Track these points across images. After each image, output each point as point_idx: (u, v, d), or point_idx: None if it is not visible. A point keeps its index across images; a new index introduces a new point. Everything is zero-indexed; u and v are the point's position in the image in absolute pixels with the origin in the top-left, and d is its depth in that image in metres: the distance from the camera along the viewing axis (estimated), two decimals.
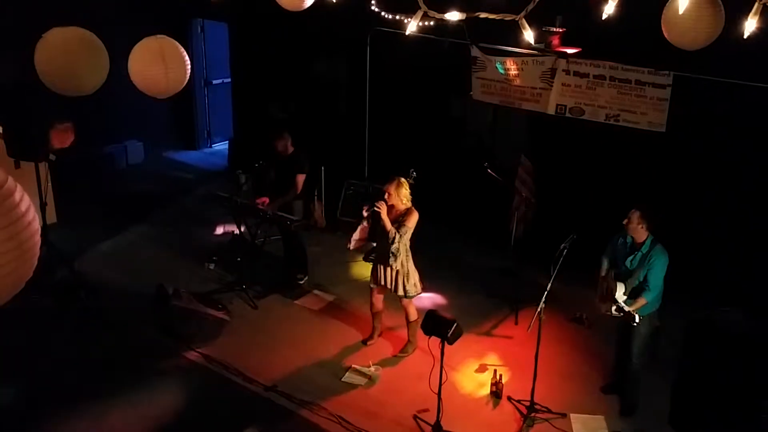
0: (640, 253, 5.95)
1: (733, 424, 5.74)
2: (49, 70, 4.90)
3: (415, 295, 6.84)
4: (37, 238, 2.56)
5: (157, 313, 7.28)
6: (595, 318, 7.42)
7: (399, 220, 6.56)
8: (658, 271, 5.87)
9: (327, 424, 6.11)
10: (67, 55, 4.87)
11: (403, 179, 6.63)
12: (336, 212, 9.73)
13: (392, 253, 6.54)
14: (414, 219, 6.59)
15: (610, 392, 6.55)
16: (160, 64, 5.00)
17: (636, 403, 6.34)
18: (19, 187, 2.49)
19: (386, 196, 6.56)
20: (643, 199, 7.48)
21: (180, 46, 5.24)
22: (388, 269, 6.70)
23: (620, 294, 5.89)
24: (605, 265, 6.23)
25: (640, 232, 5.93)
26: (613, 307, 5.90)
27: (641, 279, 5.92)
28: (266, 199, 7.93)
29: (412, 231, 6.61)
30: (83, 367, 6.76)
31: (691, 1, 3.97)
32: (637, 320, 5.72)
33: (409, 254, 6.71)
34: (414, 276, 6.76)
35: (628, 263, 6.02)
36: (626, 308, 5.79)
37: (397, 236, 6.50)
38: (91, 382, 6.53)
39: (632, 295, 5.93)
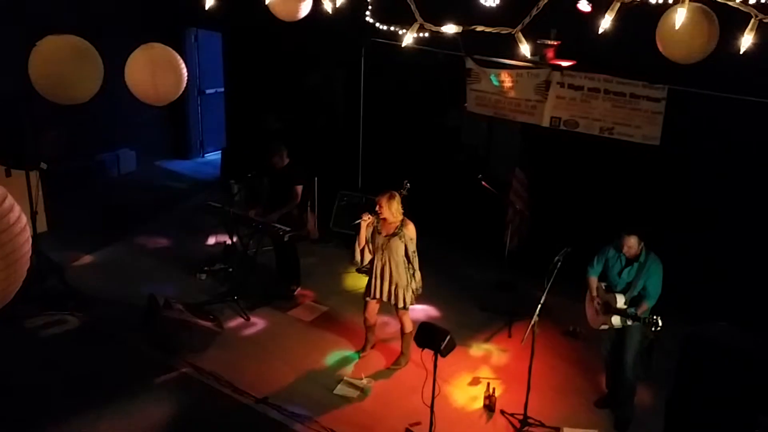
0: (637, 264, 5.98)
1: None
2: (42, 78, 4.88)
3: (410, 307, 6.81)
4: (28, 249, 2.52)
5: (148, 324, 7.23)
6: (589, 331, 7.40)
7: (398, 233, 6.55)
8: (657, 278, 5.93)
9: None
10: (61, 63, 4.85)
11: (395, 192, 6.63)
12: (329, 223, 9.71)
13: (411, 275, 6.68)
14: (413, 230, 6.60)
15: (604, 406, 6.53)
16: (149, 71, 5.02)
17: (630, 417, 6.32)
18: (9, 197, 2.46)
19: (378, 208, 6.55)
20: (636, 212, 7.51)
21: (176, 54, 5.24)
22: (386, 282, 6.69)
23: (621, 304, 5.91)
24: (593, 278, 6.23)
25: (638, 249, 5.95)
26: (615, 319, 5.91)
27: (640, 288, 5.95)
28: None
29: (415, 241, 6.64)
30: (72, 377, 6.69)
31: (686, 15, 3.97)
32: (660, 324, 5.63)
33: (407, 266, 6.70)
34: (411, 287, 6.75)
35: (625, 274, 6.04)
36: (641, 315, 5.77)
37: (413, 259, 6.64)
38: (80, 393, 6.46)
39: (632, 305, 5.95)
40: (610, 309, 6.00)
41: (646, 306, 5.91)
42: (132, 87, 5.13)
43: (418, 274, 6.72)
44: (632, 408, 6.32)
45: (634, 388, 6.31)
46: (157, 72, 5.02)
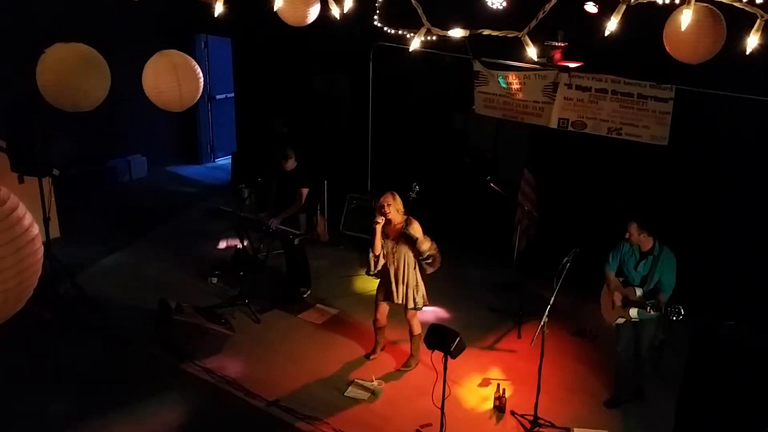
0: (651, 257, 6.04)
1: None
2: (49, 85, 4.90)
3: (422, 307, 6.86)
4: (40, 256, 2.54)
5: (159, 328, 7.28)
6: (598, 332, 7.41)
7: (407, 234, 6.59)
8: (671, 271, 6.00)
9: None
10: (67, 70, 4.86)
11: (393, 192, 6.69)
12: (339, 226, 9.75)
13: (428, 263, 6.63)
14: (419, 226, 6.65)
15: (614, 406, 6.55)
16: (174, 78, 5.00)
17: (643, 387, 6.61)
18: (21, 205, 2.47)
19: (386, 207, 6.59)
20: (643, 211, 7.51)
21: (192, 61, 5.25)
22: (401, 285, 6.73)
23: (639, 296, 6.01)
24: (611, 274, 6.26)
25: (645, 240, 6.04)
26: (633, 311, 6.01)
27: (656, 281, 6.02)
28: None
29: None
30: (84, 381, 6.75)
31: (692, 16, 3.98)
32: (682, 312, 5.66)
33: (417, 266, 6.74)
34: (422, 288, 6.80)
35: (641, 268, 6.09)
36: (664, 305, 5.82)
37: (434, 250, 6.59)
38: (92, 396, 6.52)
39: (649, 298, 6.01)
40: (628, 302, 6.08)
41: (662, 299, 5.96)
42: (154, 94, 5.05)
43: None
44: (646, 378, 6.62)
45: (649, 376, 6.59)
46: (182, 78, 5.01)
